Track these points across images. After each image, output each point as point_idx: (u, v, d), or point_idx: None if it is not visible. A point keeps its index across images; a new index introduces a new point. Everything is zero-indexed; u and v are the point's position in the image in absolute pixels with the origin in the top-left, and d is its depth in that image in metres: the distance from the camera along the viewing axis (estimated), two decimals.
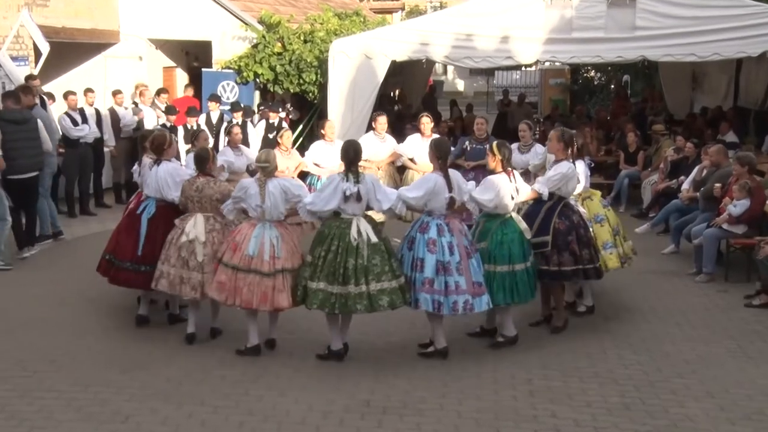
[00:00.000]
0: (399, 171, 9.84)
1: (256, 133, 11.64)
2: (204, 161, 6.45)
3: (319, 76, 13.20)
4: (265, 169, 6.12)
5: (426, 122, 9.56)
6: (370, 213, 6.14)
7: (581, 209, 6.87)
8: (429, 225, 5.95)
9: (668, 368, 5.99)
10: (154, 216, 6.63)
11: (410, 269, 5.92)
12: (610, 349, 6.40)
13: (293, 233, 6.27)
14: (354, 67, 12.07)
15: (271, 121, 11.91)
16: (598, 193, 7.52)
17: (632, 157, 12.44)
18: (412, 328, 6.55)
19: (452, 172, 6.18)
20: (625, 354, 6.29)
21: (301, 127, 13.69)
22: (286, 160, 9.11)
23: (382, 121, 9.56)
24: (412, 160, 9.51)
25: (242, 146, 9.15)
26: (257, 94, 13.90)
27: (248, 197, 6.07)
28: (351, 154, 6.03)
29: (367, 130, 11.95)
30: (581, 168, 7.05)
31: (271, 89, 13.70)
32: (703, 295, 7.90)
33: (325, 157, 9.26)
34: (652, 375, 5.87)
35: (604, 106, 19.54)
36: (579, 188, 7.00)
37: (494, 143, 6.39)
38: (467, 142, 9.54)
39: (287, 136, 9.29)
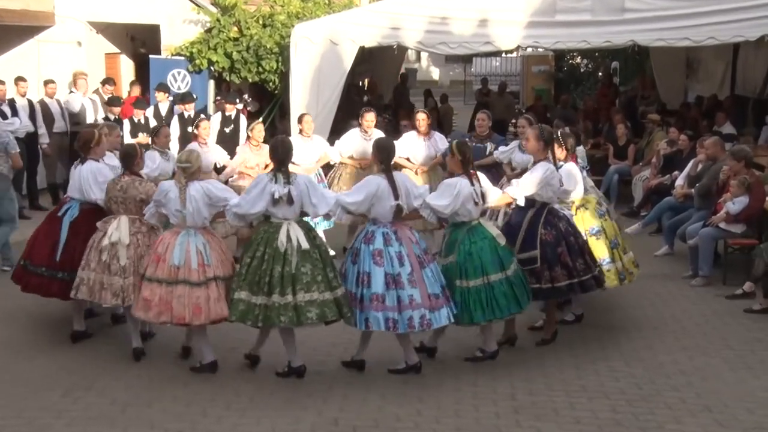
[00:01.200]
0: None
1: (211, 127, 11.57)
2: (130, 159, 6.43)
3: (280, 63, 13.17)
4: (186, 170, 6.05)
5: (422, 119, 9.49)
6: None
7: (566, 212, 6.77)
8: (374, 235, 5.91)
9: (663, 381, 6.07)
10: (77, 219, 6.62)
11: (355, 285, 5.86)
12: (600, 360, 6.46)
13: (221, 240, 6.25)
14: (318, 54, 12.06)
15: (227, 113, 11.84)
16: (594, 200, 7.29)
17: (622, 150, 12.59)
18: (386, 339, 6.55)
19: (399, 175, 6.14)
20: (616, 365, 6.35)
21: (260, 119, 13.64)
22: (256, 155, 9.10)
23: (370, 118, 9.49)
24: (408, 159, 9.46)
25: (209, 142, 9.21)
26: (211, 83, 13.81)
27: (168, 202, 6.02)
28: (280, 152, 6.00)
29: (335, 124, 12.01)
30: (573, 171, 6.96)
31: (227, 78, 13.63)
32: (700, 300, 8.02)
33: (300, 154, 9.29)
34: (645, 388, 5.94)
35: (591, 94, 19.72)
36: (575, 195, 6.97)
37: (454, 141, 6.37)
38: (467, 140, 9.50)
39: (258, 130, 9.30)
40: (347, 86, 13.30)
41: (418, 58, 38.98)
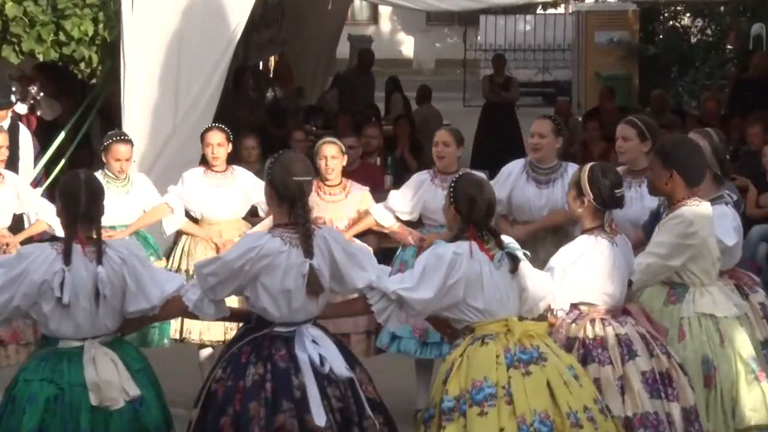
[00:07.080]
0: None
1: None
2: None
3: (101, 27, 13.09)
4: None
5: (331, 154, 9.57)
6: None
7: (311, 353, 6.31)
8: None
9: None
10: None
11: None
12: None
13: None
14: (178, 10, 12.05)
15: None
16: (528, 328, 6.64)
17: None
18: None
19: None
20: None
21: (62, 135, 13.53)
22: (330, 203, 9.58)
23: (331, 152, 9.60)
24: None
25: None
26: None
27: None
28: None
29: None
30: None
31: None
32: None
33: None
34: None
35: (713, 85, 19.94)
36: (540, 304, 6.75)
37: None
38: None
39: (331, 152, 9.59)
40: (234, 71, 13.27)
41: (374, 19, 39.53)
